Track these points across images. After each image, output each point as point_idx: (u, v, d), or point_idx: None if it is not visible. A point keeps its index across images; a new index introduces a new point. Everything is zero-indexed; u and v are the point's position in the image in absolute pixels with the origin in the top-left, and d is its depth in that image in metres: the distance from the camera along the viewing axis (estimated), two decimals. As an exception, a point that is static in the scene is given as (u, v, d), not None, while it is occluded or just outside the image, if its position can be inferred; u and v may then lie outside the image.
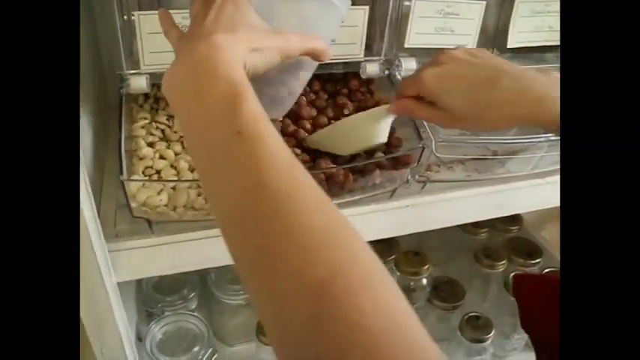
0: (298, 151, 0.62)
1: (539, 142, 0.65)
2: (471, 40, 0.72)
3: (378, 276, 0.31)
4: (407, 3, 0.68)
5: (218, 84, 0.37)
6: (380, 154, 0.62)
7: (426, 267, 0.89)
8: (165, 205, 0.57)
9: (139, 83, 0.61)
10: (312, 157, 0.62)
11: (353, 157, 0.62)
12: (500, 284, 0.95)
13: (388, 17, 0.66)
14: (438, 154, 0.62)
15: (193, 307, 0.87)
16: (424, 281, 0.91)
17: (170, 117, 0.67)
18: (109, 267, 0.57)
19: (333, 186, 0.60)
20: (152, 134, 0.65)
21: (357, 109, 0.67)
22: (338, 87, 0.72)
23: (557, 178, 0.72)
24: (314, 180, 0.35)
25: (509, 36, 0.74)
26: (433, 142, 0.62)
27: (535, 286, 0.72)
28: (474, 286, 0.97)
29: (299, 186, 0.34)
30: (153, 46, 0.60)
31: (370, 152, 0.63)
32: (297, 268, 0.31)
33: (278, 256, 0.31)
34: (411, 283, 0.90)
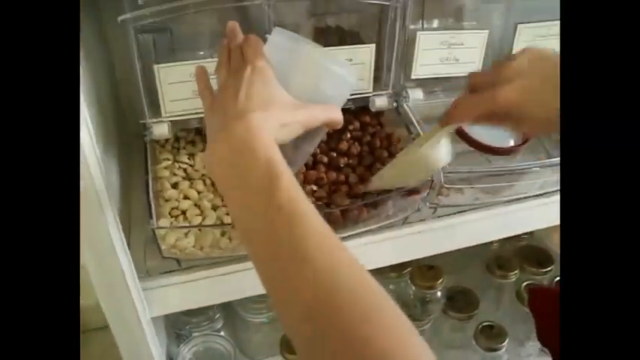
0: (315, 187, 0.66)
1: (543, 166, 0.68)
2: (475, 68, 0.75)
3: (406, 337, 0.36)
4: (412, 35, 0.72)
5: (258, 165, 0.41)
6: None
7: (441, 280, 0.93)
8: (193, 246, 0.61)
9: (161, 130, 0.65)
10: (328, 192, 0.65)
11: (365, 192, 0.65)
12: (513, 293, 0.98)
13: (394, 53, 0.69)
14: (446, 186, 0.65)
15: (219, 326, 0.92)
16: (439, 294, 0.94)
17: (191, 155, 0.72)
18: (144, 304, 0.61)
19: (348, 221, 0.63)
20: (175, 174, 0.69)
21: (369, 144, 0.71)
22: (349, 124, 0.74)
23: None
24: (341, 243, 0.39)
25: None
26: (441, 175, 0.65)
27: (549, 299, 0.75)
28: (488, 295, 1.01)
29: (332, 253, 0.38)
30: (173, 94, 0.64)
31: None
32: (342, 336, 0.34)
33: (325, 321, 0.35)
34: (427, 296, 0.94)
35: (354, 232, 0.65)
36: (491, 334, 0.93)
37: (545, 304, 0.75)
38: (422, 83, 0.74)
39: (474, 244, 0.74)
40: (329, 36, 0.76)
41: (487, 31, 0.73)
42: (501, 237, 0.75)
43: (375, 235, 0.67)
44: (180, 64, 0.62)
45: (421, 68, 0.73)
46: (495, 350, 0.92)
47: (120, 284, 0.57)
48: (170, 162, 0.70)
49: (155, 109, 0.65)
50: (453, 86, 0.75)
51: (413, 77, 0.73)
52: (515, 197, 0.72)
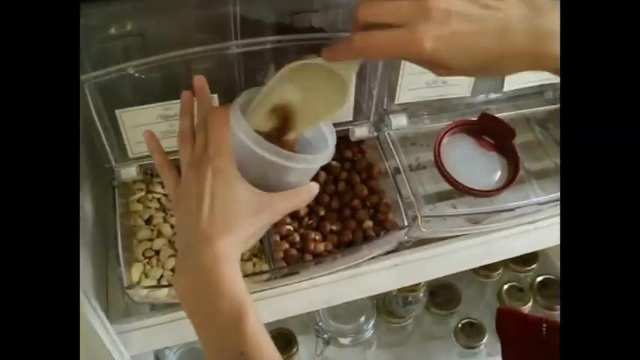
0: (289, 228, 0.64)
1: (525, 206, 0.66)
2: (466, 90, 0.71)
3: None
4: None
5: (222, 307, 0.41)
6: (370, 232, 0.64)
7: (423, 283, 0.94)
8: (166, 296, 0.61)
9: (129, 173, 0.63)
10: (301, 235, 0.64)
11: (341, 234, 0.64)
12: (495, 292, 0.99)
13: (377, 83, 0.65)
14: (424, 229, 0.64)
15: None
16: (421, 294, 0.95)
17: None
18: (118, 347, 0.62)
19: (322, 264, 0.62)
20: (148, 207, 0.68)
21: (347, 180, 0.68)
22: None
23: (546, 222, 0.73)
24: None
25: (505, 80, 0.72)
26: (419, 219, 0.63)
27: (516, 324, 0.75)
28: (470, 291, 1.02)
29: None
30: (139, 137, 0.61)
31: (359, 224, 0.65)
32: None
33: None
34: (409, 297, 0.95)
35: (331, 271, 0.65)
36: (471, 332, 0.96)
37: (511, 328, 0.75)
38: (405, 107, 0.70)
39: (454, 272, 0.74)
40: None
41: (477, 52, 0.68)
42: (479, 264, 0.74)
43: (352, 270, 0.66)
44: (143, 107, 0.59)
45: (407, 93, 0.69)
46: (474, 348, 0.95)
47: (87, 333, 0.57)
48: (143, 193, 0.68)
49: (122, 150, 0.62)
50: (441, 109, 0.71)
51: (397, 102, 0.69)
52: (495, 227, 0.71)
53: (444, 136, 0.68)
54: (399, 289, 0.94)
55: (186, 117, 0.50)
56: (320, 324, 0.89)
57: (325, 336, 0.89)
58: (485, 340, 0.95)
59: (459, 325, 0.96)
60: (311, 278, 0.65)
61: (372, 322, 0.91)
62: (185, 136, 0.49)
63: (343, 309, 0.91)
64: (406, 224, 0.62)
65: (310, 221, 0.66)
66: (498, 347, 1.03)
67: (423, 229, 0.64)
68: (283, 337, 0.88)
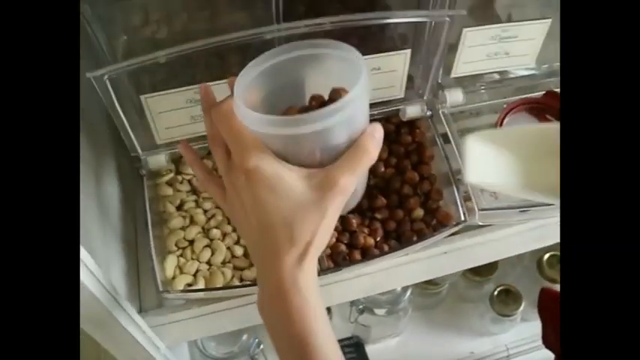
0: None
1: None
2: (530, 61, 0.62)
3: None
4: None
5: (291, 330, 0.39)
6: (419, 223, 0.59)
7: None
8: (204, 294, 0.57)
9: (157, 160, 0.57)
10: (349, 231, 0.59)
11: (386, 224, 0.59)
12: (534, 261, 0.96)
13: (435, 60, 0.57)
14: (480, 223, 0.59)
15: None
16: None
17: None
18: (153, 341, 0.59)
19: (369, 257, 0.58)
20: (179, 190, 0.63)
21: (397, 165, 0.62)
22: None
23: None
24: None
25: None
26: (476, 213, 0.58)
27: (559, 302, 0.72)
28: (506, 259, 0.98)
29: None
30: (167, 122, 0.55)
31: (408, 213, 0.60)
32: None
33: None
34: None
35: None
36: (507, 299, 0.93)
37: (554, 307, 0.72)
38: (461, 81, 0.63)
39: (505, 257, 0.69)
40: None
41: (550, 20, 0.59)
42: (532, 249, 0.69)
43: (397, 259, 0.62)
44: (169, 92, 0.52)
45: (464, 66, 0.61)
46: (509, 316, 0.93)
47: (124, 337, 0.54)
48: (172, 174, 0.63)
49: (149, 138, 0.56)
50: (500, 84, 0.64)
51: (452, 76, 0.61)
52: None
53: (505, 115, 0.61)
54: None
55: (208, 115, 0.43)
56: (361, 307, 0.87)
57: (360, 306, 0.86)
58: (521, 309, 0.92)
59: (495, 292, 0.93)
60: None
61: (409, 291, 0.89)
62: (211, 137, 0.43)
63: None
64: (462, 219, 0.57)
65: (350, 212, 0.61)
66: (533, 313, 1.01)
67: (480, 223, 0.59)
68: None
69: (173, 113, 0.54)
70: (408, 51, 0.56)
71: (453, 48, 0.59)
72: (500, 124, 0.60)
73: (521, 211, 0.59)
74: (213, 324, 0.62)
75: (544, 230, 0.67)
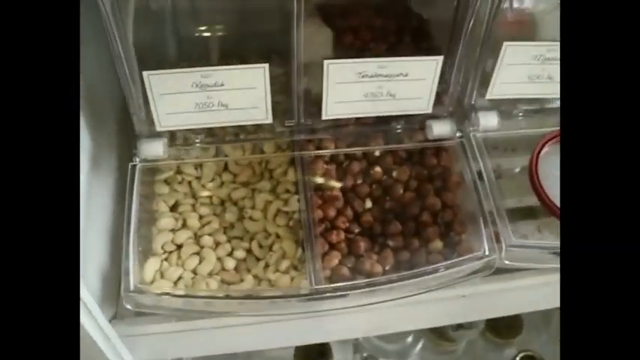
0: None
1: None
2: (574, 89, 0.56)
3: None
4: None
5: None
6: (436, 256, 0.52)
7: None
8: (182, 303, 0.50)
9: (154, 148, 0.52)
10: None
11: (398, 253, 0.52)
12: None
13: (476, 66, 0.52)
14: (506, 261, 0.51)
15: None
16: (478, 318, 0.83)
17: (199, 166, 0.59)
18: (119, 352, 0.52)
19: (376, 291, 0.51)
20: (176, 190, 0.57)
21: (417, 189, 0.55)
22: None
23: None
24: None
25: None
26: (504, 248, 0.50)
27: None
28: (533, 319, 0.88)
29: None
30: (170, 106, 0.50)
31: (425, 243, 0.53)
32: None
33: None
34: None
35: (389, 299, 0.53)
36: (530, 368, 0.83)
37: None
38: (497, 104, 0.57)
39: (532, 310, 0.61)
40: (389, 22, 0.58)
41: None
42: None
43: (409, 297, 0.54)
44: (175, 72, 0.48)
45: (501, 87, 0.55)
46: (532, 387, 0.82)
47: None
48: (171, 172, 0.58)
49: (149, 121, 0.51)
50: (540, 111, 0.57)
51: (488, 97, 0.55)
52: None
53: (544, 144, 0.54)
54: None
55: None
56: (360, 339, 0.78)
57: (365, 354, 0.78)
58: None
59: (517, 358, 0.83)
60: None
61: (420, 344, 0.80)
62: None
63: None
64: (486, 253, 0.50)
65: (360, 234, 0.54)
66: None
67: (506, 262, 0.51)
68: (316, 349, 0.78)
69: (177, 97, 0.49)
70: (440, 57, 0.51)
71: (492, 64, 0.53)
72: (537, 155, 0.53)
73: (554, 254, 0.51)
74: (194, 344, 0.55)
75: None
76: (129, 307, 0.47)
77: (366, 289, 0.48)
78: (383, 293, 0.50)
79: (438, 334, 0.84)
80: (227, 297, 0.49)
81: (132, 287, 0.47)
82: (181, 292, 0.48)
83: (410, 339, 0.80)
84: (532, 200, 0.55)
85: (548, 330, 0.90)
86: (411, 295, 0.53)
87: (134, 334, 0.53)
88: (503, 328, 0.86)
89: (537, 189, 0.52)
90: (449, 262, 0.49)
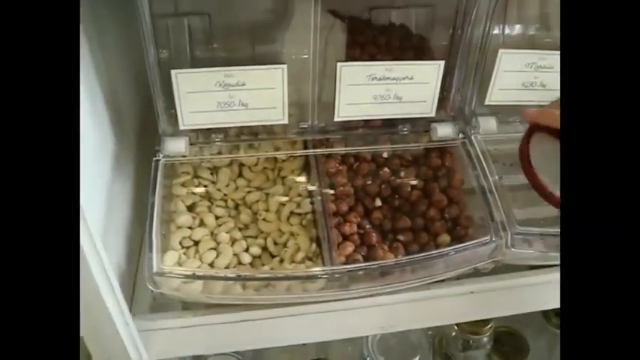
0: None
1: None
2: (565, 96, 0.61)
3: None
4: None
5: None
6: (445, 240, 0.54)
7: (489, 326, 0.81)
8: (200, 291, 0.52)
9: (177, 145, 0.55)
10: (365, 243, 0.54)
11: (408, 246, 0.54)
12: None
13: (473, 73, 0.56)
14: (513, 248, 0.53)
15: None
16: (485, 339, 0.83)
17: (214, 170, 0.62)
18: (138, 348, 0.53)
19: (387, 278, 0.52)
20: (193, 193, 0.60)
21: (424, 188, 0.59)
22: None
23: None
24: None
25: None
26: (509, 235, 0.53)
27: None
28: (540, 342, 0.88)
29: None
30: (193, 105, 0.54)
31: (434, 238, 0.55)
32: None
33: None
34: (471, 341, 0.83)
35: (393, 289, 0.54)
36: (539, 392, 0.82)
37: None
38: (496, 110, 0.61)
39: (538, 309, 0.62)
40: (391, 40, 0.63)
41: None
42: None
43: (418, 292, 0.56)
44: (201, 71, 0.52)
45: (498, 93, 0.59)
46: (542, 411, 0.81)
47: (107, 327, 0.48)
48: (189, 177, 0.61)
49: (172, 119, 0.55)
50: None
51: (487, 103, 0.60)
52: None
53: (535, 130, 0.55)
54: (461, 330, 0.81)
55: None
56: (367, 359, 0.78)
57: (370, 370, 0.77)
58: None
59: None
60: (372, 295, 0.55)
61: (427, 366, 0.79)
62: None
63: (396, 344, 0.79)
64: (492, 238, 0.52)
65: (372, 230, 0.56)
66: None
67: (513, 249, 0.53)
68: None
69: (200, 95, 0.53)
70: (442, 62, 0.55)
71: (488, 76, 0.58)
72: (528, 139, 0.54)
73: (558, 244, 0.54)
74: (210, 338, 0.55)
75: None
76: (151, 288, 0.48)
77: (379, 272, 0.50)
78: (395, 278, 0.52)
79: (443, 355, 0.84)
80: (246, 278, 0.50)
81: (155, 269, 0.48)
82: (202, 273, 0.49)
83: (416, 359, 0.80)
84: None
85: (554, 355, 0.89)
86: (420, 287, 0.55)
87: (150, 329, 0.53)
88: (510, 351, 0.86)
89: (530, 173, 0.52)
90: (457, 246, 0.51)
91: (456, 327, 0.83)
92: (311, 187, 0.59)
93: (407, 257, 0.51)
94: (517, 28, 0.62)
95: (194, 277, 0.49)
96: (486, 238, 0.52)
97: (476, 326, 0.81)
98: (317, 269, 0.50)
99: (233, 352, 0.82)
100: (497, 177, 0.57)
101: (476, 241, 0.51)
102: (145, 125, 0.63)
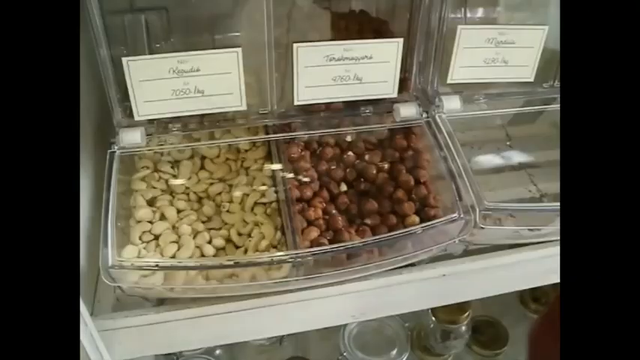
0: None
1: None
2: (529, 73, 0.60)
3: None
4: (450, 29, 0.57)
5: None
6: (414, 221, 0.53)
7: (467, 314, 0.80)
8: (161, 285, 0.49)
9: (132, 136, 0.53)
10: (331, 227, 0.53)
11: (376, 229, 0.53)
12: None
13: (431, 49, 0.56)
14: (482, 226, 0.52)
15: (217, 352, 0.81)
16: (463, 328, 0.82)
17: (176, 163, 0.60)
18: (99, 348, 0.50)
19: (355, 261, 0.51)
20: (153, 187, 0.58)
21: (390, 170, 0.57)
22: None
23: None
24: None
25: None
26: (477, 212, 0.51)
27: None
28: (518, 330, 0.87)
29: None
30: (148, 94, 0.52)
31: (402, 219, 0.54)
32: None
33: None
34: (450, 331, 0.81)
35: (365, 274, 0.53)
36: (520, 379, 0.81)
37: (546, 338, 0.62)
38: (459, 89, 0.60)
39: (510, 290, 0.61)
40: (350, 24, 0.62)
41: (546, 27, 0.58)
42: (541, 284, 0.61)
43: (390, 277, 0.54)
44: (154, 57, 0.50)
45: (460, 71, 0.59)
46: (524, 398, 0.80)
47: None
48: (149, 171, 0.58)
49: (126, 110, 0.53)
50: (500, 94, 0.61)
51: (449, 82, 0.59)
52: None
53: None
54: (438, 320, 0.80)
55: None
56: (344, 354, 0.76)
57: (347, 366, 0.75)
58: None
59: None
60: (340, 283, 0.53)
61: (405, 357, 0.78)
62: None
63: (372, 338, 0.78)
64: (460, 215, 0.51)
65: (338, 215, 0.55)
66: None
67: (482, 226, 0.52)
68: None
69: (154, 84, 0.51)
70: (401, 40, 0.55)
71: (449, 49, 0.58)
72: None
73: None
74: (173, 336, 0.53)
75: (554, 261, 0.59)
76: (108, 282, 0.46)
77: (345, 255, 0.48)
78: (363, 261, 0.50)
79: (422, 348, 0.82)
80: (208, 266, 0.48)
81: (110, 262, 0.46)
82: (160, 261, 0.47)
83: (394, 352, 0.78)
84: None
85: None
86: (391, 271, 0.53)
87: (111, 328, 0.51)
88: (489, 340, 0.85)
89: None
90: (425, 224, 0.50)
91: (433, 318, 0.82)
92: (275, 176, 0.57)
93: (373, 238, 0.49)
94: (479, 11, 0.62)
95: (154, 267, 0.47)
96: (454, 215, 0.51)
97: (453, 315, 0.80)
98: (280, 253, 0.48)
99: (208, 357, 0.80)
100: (464, 157, 0.57)
101: (444, 218, 0.50)
102: (103, 120, 0.61)
